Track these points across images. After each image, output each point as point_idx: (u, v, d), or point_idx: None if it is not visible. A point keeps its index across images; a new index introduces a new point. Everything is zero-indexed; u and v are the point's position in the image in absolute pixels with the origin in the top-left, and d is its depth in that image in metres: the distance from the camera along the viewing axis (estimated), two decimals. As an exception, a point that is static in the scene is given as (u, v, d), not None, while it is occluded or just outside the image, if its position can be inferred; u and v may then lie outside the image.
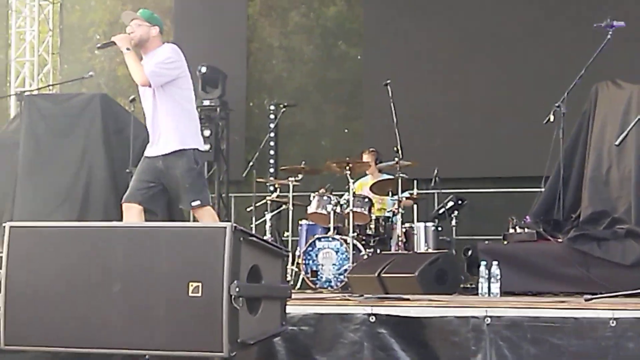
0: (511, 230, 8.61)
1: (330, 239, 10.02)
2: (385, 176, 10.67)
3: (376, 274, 8.57)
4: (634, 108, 8.13)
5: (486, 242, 8.80)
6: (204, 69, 12.57)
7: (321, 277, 9.95)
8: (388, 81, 10.38)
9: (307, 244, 10.06)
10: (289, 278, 9.82)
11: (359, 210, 10.09)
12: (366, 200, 10.24)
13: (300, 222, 10.66)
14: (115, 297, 4.29)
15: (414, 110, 12.22)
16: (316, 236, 10.14)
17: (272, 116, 13.30)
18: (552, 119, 8.38)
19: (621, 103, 8.29)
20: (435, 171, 10.95)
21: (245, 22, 14.32)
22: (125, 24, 7.24)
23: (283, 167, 11.16)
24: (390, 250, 10.08)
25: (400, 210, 10.00)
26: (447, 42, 12.83)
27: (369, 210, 10.19)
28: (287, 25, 14.53)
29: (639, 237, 7.79)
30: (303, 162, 10.68)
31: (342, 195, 10.38)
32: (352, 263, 9.65)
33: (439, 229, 10.25)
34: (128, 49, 7.14)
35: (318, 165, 11.13)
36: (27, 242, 4.45)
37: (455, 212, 10.46)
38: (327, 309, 5.79)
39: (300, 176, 10.69)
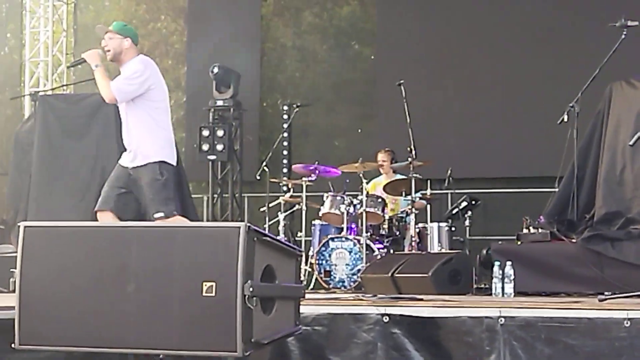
0: (525, 231, 8.61)
1: (343, 239, 10.03)
2: (399, 176, 10.66)
3: (390, 274, 8.57)
4: (648, 108, 8.12)
5: (500, 242, 8.79)
6: (215, 70, 12.58)
7: (334, 277, 9.96)
8: (401, 81, 10.38)
9: (321, 244, 10.06)
10: (302, 278, 9.82)
11: (372, 210, 10.09)
12: (379, 200, 10.24)
13: (313, 222, 10.67)
14: (130, 297, 4.29)
15: (428, 110, 12.20)
16: (329, 236, 10.14)
17: (285, 116, 13.32)
18: (566, 119, 8.37)
19: (636, 103, 8.27)
20: (449, 171, 10.94)
21: (258, 22, 14.31)
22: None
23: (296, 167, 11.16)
24: (403, 250, 10.08)
25: (413, 210, 9.99)
26: (460, 41, 12.81)
27: (383, 210, 10.19)
28: (300, 25, 14.52)
29: (653, 238, 7.78)
30: (316, 162, 10.68)
31: (356, 195, 10.37)
32: (366, 263, 9.65)
33: (453, 229, 10.25)
34: (97, 65, 7.23)
35: (331, 165, 11.12)
36: (42, 242, 4.46)
37: (469, 212, 10.46)
38: (341, 309, 5.79)
39: (313, 176, 10.68)
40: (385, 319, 5.56)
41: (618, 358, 5.13)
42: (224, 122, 12.70)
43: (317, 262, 10.02)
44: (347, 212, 10.15)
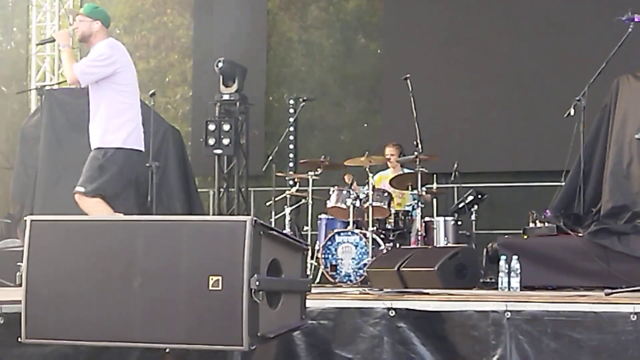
0: (531, 225, 8.61)
1: (349, 233, 10.02)
2: (406, 170, 10.65)
3: (396, 268, 8.55)
4: (655, 102, 8.11)
5: (506, 236, 8.79)
6: (220, 64, 12.56)
7: (340, 272, 9.96)
8: (408, 75, 10.36)
9: (327, 238, 10.06)
10: (308, 272, 9.82)
11: (378, 204, 10.09)
12: (385, 194, 10.23)
13: (319, 217, 10.67)
14: (136, 291, 4.29)
15: (434, 105, 12.20)
16: (335, 230, 10.14)
17: (291, 110, 13.33)
18: (572, 112, 8.36)
19: (642, 97, 8.27)
20: (455, 165, 10.94)
21: (265, 16, 14.32)
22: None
23: (302, 161, 11.16)
24: (409, 244, 10.07)
25: (420, 204, 9.98)
26: (467, 35, 12.80)
27: (389, 205, 10.18)
28: (306, 20, 14.52)
29: (659, 232, 7.77)
30: (322, 156, 10.68)
31: (362, 188, 10.38)
32: (372, 257, 9.65)
33: (459, 223, 10.25)
34: (65, 45, 7.30)
35: (337, 160, 11.13)
36: (48, 236, 4.46)
37: (475, 207, 10.45)
38: (347, 303, 5.80)
39: (319, 170, 10.68)
40: (392, 313, 5.56)
41: (624, 352, 5.13)
42: (230, 116, 12.69)
43: (323, 256, 10.02)
44: (353, 206, 10.14)
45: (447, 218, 10.22)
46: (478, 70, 12.67)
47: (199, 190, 11.60)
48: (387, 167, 11.08)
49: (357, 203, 10.17)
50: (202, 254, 4.29)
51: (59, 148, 10.33)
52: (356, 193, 10.22)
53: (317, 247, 10.24)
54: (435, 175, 10.55)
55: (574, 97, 8.40)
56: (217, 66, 12.57)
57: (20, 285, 4.41)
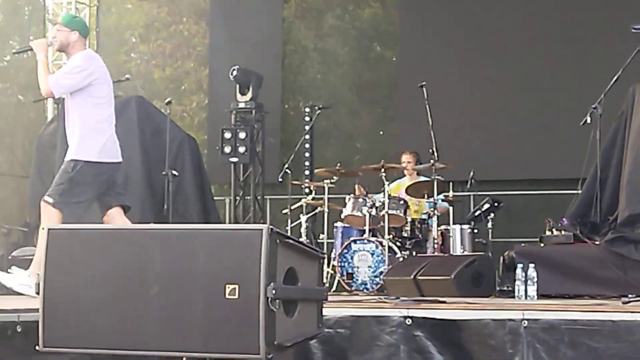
0: (548, 233, 8.59)
1: (365, 241, 10.01)
2: (423, 178, 10.64)
3: (412, 277, 8.55)
4: (672, 109, 8.08)
5: (522, 244, 8.77)
6: (235, 72, 12.57)
7: (357, 280, 9.95)
8: (423, 83, 10.36)
9: (343, 246, 10.06)
10: (324, 280, 9.82)
11: (394, 212, 10.07)
12: (401, 202, 10.22)
13: (335, 225, 10.66)
14: (153, 300, 4.30)
15: (450, 112, 12.19)
16: (351, 238, 10.13)
17: (307, 118, 13.34)
18: (588, 120, 8.33)
19: (659, 104, 8.24)
20: (471, 173, 10.90)
21: (280, 24, 14.34)
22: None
23: (318, 169, 11.15)
24: (426, 252, 10.06)
25: (436, 212, 9.97)
26: (482, 43, 12.79)
27: (405, 213, 10.17)
28: (322, 28, 14.53)
29: (677, 240, 7.74)
30: (338, 164, 10.67)
31: (375, 196, 10.37)
32: (388, 265, 9.64)
33: (475, 231, 10.21)
34: (42, 56, 7.28)
35: (353, 167, 11.12)
36: (65, 245, 4.46)
37: (491, 215, 10.41)
38: (363, 311, 5.80)
39: (335, 178, 10.67)
40: (408, 321, 5.56)
41: (642, 361, 5.11)
42: (246, 124, 12.71)
43: (339, 264, 10.01)
44: (369, 214, 10.13)
45: (463, 226, 10.19)
46: (493, 78, 12.65)
47: (215, 198, 11.62)
48: (404, 175, 11.06)
49: (373, 211, 10.15)
50: (219, 263, 4.29)
51: (75, 156, 10.34)
52: (372, 201, 10.21)
53: (333, 255, 10.23)
54: (451, 183, 10.53)
55: (590, 105, 8.37)
56: (231, 74, 12.58)
57: (38, 293, 4.42)
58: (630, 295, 6.73)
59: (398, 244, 10.07)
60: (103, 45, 15.24)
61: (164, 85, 15.32)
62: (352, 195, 10.48)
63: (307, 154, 13.43)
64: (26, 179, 12.16)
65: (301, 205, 11.02)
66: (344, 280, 9.98)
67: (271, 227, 4.28)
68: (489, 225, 10.40)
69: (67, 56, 7.41)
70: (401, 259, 9.79)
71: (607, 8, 12.13)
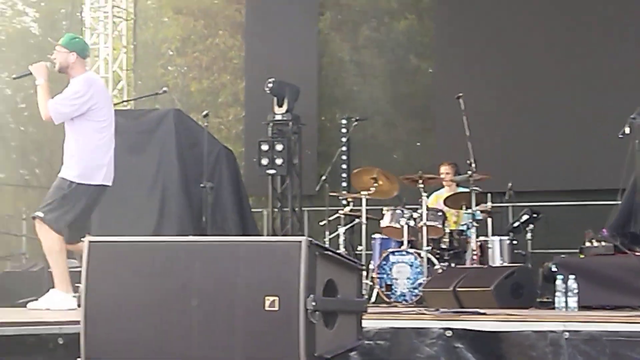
0: (588, 244, 8.53)
1: (404, 252, 9.99)
2: (462, 189, 10.59)
3: (451, 288, 8.52)
4: None
5: (562, 255, 8.72)
6: (270, 84, 12.57)
7: (395, 291, 9.93)
8: (460, 94, 10.33)
9: (381, 258, 10.04)
10: (363, 292, 9.79)
11: (432, 223, 10.05)
12: (440, 213, 10.19)
13: (373, 236, 10.65)
14: (193, 311, 4.31)
15: (487, 123, 12.15)
16: (390, 250, 10.12)
17: (343, 130, 13.34)
18: (627, 131, 8.28)
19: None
20: (510, 184, 10.86)
21: (316, 36, 14.35)
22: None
23: (356, 170, 11.10)
24: (464, 264, 10.02)
25: (474, 223, 9.92)
26: (519, 53, 12.74)
27: (443, 224, 10.14)
28: (358, 40, 14.54)
29: None
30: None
31: (416, 208, 10.34)
32: (427, 277, 9.61)
33: (514, 242, 10.15)
34: (41, 80, 7.29)
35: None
36: (106, 257, 4.49)
37: (531, 226, 10.35)
38: (403, 323, 5.77)
39: (372, 190, 10.65)
40: (448, 333, 5.53)
41: (685, 373, 5.06)
42: (283, 136, 12.71)
43: (377, 276, 10.00)
44: (408, 226, 10.11)
45: (502, 237, 10.13)
46: (531, 88, 12.60)
47: (252, 210, 11.63)
48: (442, 187, 11.02)
49: (412, 222, 10.13)
50: (258, 275, 4.30)
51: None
52: (411, 213, 10.19)
53: (371, 267, 10.22)
54: (489, 194, 10.49)
55: (629, 115, 8.32)
56: (267, 87, 12.58)
57: (79, 306, 4.44)
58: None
59: (437, 255, 10.04)
60: (140, 59, 15.35)
61: (201, 97, 15.38)
62: (396, 205, 10.45)
63: (344, 166, 13.43)
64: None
65: (339, 217, 11.01)
66: (382, 291, 9.97)
67: (310, 239, 4.29)
68: (528, 236, 10.34)
69: (67, 77, 7.39)
70: (440, 271, 9.76)
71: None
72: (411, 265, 9.89)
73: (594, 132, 11.89)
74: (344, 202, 11.63)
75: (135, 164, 10.41)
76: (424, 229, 9.94)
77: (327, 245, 4.58)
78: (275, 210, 13.04)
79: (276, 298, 4.24)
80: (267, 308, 4.24)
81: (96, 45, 14.99)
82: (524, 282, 8.62)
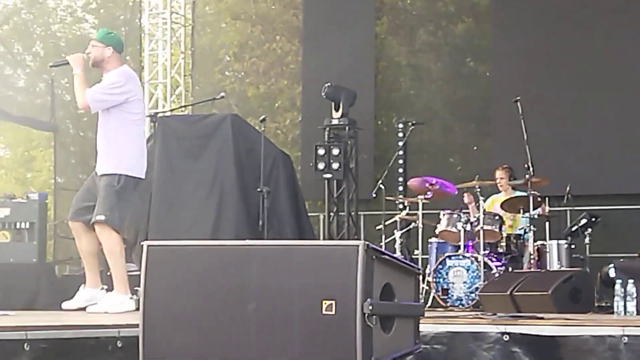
0: (647, 248, 8.45)
1: (460, 257, 9.97)
2: (518, 193, 10.54)
3: (508, 292, 8.48)
4: None
5: (621, 259, 8.64)
6: (326, 89, 12.59)
7: (452, 295, 9.91)
8: (518, 98, 10.27)
9: (438, 262, 10.02)
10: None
11: (489, 227, 10.01)
12: (497, 217, 10.15)
13: (429, 240, 10.63)
14: (250, 315, 4.33)
15: (545, 127, 12.07)
16: (446, 254, 10.10)
17: (400, 134, 13.32)
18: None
19: None
20: (568, 188, 10.78)
21: (373, 40, 14.35)
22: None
23: (412, 178, 11.10)
24: (522, 268, 9.97)
25: (532, 228, 9.87)
26: (577, 57, 12.64)
27: (500, 228, 10.10)
28: (415, 44, 14.53)
29: None
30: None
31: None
32: (483, 281, 9.57)
33: (572, 246, 10.09)
34: (78, 70, 7.31)
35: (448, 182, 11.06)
36: (164, 261, 4.53)
37: (589, 230, 10.28)
38: (460, 327, 5.76)
39: (429, 194, 10.64)
40: (506, 337, 5.51)
41: None
42: (339, 140, 12.72)
43: (434, 280, 9.98)
44: (464, 230, 10.09)
45: (560, 241, 10.08)
46: (589, 91, 12.49)
47: (309, 214, 11.66)
48: (499, 191, 10.97)
49: (468, 226, 10.11)
50: (315, 279, 4.31)
51: (172, 174, 10.47)
52: (467, 217, 10.17)
53: (428, 271, 10.20)
54: (547, 198, 10.42)
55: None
56: (323, 91, 12.61)
57: (138, 309, 4.49)
58: None
59: (494, 259, 10.00)
60: (198, 64, 15.45)
61: (258, 102, 15.46)
62: (462, 200, 10.44)
63: (400, 170, 13.40)
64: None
65: (395, 221, 11.01)
66: (439, 296, 9.94)
67: (367, 243, 4.30)
68: (587, 240, 10.27)
69: (101, 72, 7.46)
70: (497, 275, 9.72)
71: None
72: (468, 270, 9.86)
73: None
74: (400, 206, 11.61)
75: (192, 168, 10.47)
76: (481, 233, 9.91)
77: (383, 250, 4.57)
78: (332, 214, 13.07)
79: (333, 302, 4.25)
80: (324, 312, 4.26)
81: (154, 51, 15.14)
82: (582, 286, 8.55)
